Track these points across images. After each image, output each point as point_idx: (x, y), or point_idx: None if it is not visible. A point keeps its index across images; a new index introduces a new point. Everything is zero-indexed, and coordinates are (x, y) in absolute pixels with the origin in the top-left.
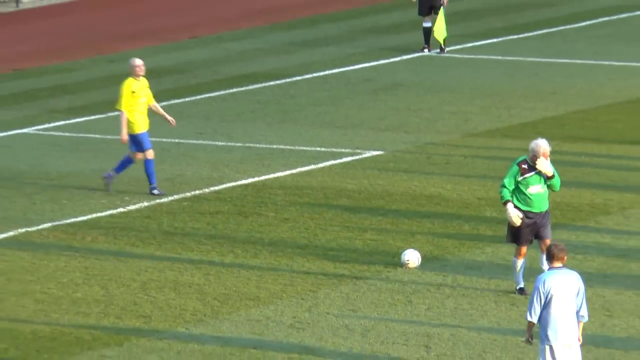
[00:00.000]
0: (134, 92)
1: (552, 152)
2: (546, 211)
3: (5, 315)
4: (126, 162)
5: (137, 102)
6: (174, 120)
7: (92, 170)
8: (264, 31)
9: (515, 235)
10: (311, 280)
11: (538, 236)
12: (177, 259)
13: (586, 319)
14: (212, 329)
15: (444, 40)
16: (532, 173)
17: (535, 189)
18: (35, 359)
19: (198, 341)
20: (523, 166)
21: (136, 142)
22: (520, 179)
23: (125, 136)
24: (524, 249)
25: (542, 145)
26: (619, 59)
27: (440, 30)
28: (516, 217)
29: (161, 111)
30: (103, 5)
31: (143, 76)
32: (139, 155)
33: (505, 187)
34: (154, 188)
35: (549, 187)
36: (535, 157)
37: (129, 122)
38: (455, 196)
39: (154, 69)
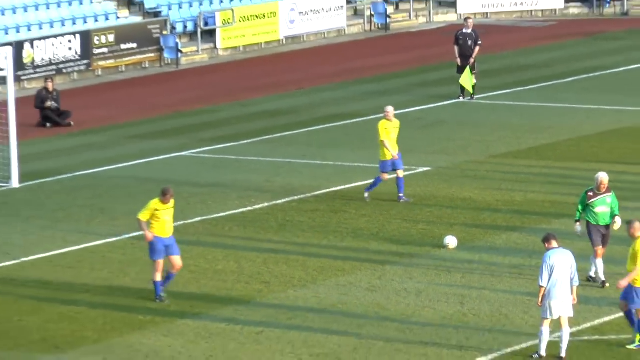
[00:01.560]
0: (386, 128)
1: (550, 167)
2: (609, 225)
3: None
4: (377, 181)
5: (389, 137)
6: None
7: (230, 180)
8: (349, 84)
9: (592, 240)
10: (381, 257)
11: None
12: (287, 243)
13: (578, 283)
14: (312, 292)
15: (473, 87)
16: (597, 197)
17: (601, 209)
18: (189, 313)
19: (303, 300)
20: (589, 193)
21: (388, 165)
22: (588, 202)
23: (389, 156)
24: (598, 250)
25: (601, 176)
26: (594, 104)
27: (464, 80)
28: (576, 230)
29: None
30: (237, 67)
31: (395, 119)
32: (385, 176)
33: (578, 210)
34: (401, 197)
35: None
36: (597, 185)
37: (382, 151)
38: (480, 198)
39: (271, 110)
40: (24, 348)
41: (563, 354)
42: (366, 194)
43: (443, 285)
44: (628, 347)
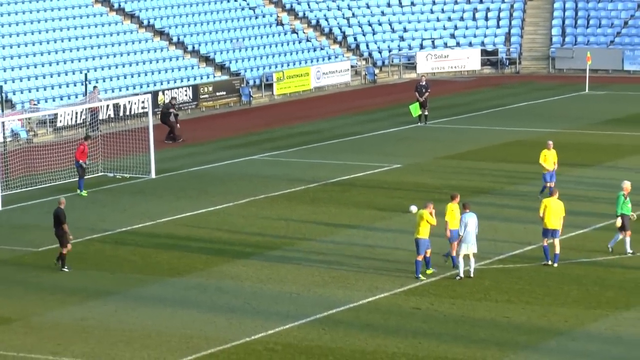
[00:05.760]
0: (545, 156)
1: (471, 164)
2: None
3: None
4: (544, 188)
5: (547, 160)
6: (550, 169)
7: (282, 173)
8: (352, 116)
9: (625, 225)
10: (372, 218)
11: (624, 228)
12: (316, 209)
13: (477, 232)
14: (330, 239)
15: (425, 117)
16: (627, 198)
17: (629, 205)
18: (257, 252)
19: (325, 244)
20: (621, 195)
21: (547, 176)
22: (625, 200)
23: (544, 166)
24: (629, 232)
25: (626, 184)
26: (499, 127)
27: (413, 107)
28: (619, 222)
29: (555, 166)
30: (286, 106)
31: (552, 149)
32: (546, 183)
33: (617, 207)
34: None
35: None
36: (625, 190)
37: (543, 167)
38: (430, 183)
39: (305, 131)
40: (157, 274)
41: (471, 275)
42: (540, 196)
43: (409, 234)
44: None
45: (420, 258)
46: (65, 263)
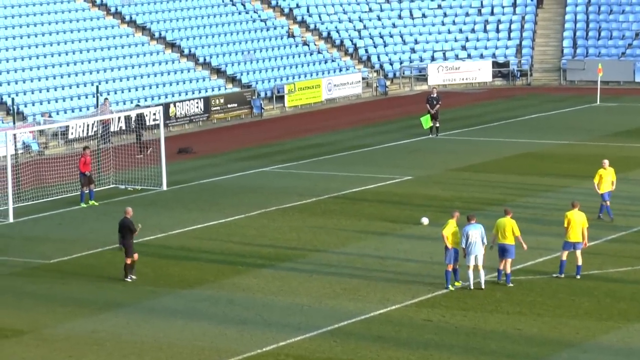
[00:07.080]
0: (601, 175)
1: (482, 176)
2: None
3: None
4: (603, 207)
5: (602, 179)
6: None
7: (293, 185)
8: (363, 128)
9: None
10: (383, 229)
11: None
12: (327, 221)
13: (486, 243)
14: (342, 251)
15: (437, 129)
16: None
17: None
18: (268, 264)
19: (336, 256)
20: None
21: (604, 196)
22: None
23: (597, 191)
24: None
25: None
26: (509, 138)
27: (424, 119)
28: None
29: (612, 187)
30: (297, 118)
31: (609, 167)
32: (606, 202)
33: None
34: (611, 216)
35: None
36: None
37: (600, 186)
38: (442, 195)
39: (316, 144)
40: (169, 286)
41: (482, 286)
42: (600, 215)
43: (421, 246)
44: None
45: (449, 268)
46: (128, 273)
